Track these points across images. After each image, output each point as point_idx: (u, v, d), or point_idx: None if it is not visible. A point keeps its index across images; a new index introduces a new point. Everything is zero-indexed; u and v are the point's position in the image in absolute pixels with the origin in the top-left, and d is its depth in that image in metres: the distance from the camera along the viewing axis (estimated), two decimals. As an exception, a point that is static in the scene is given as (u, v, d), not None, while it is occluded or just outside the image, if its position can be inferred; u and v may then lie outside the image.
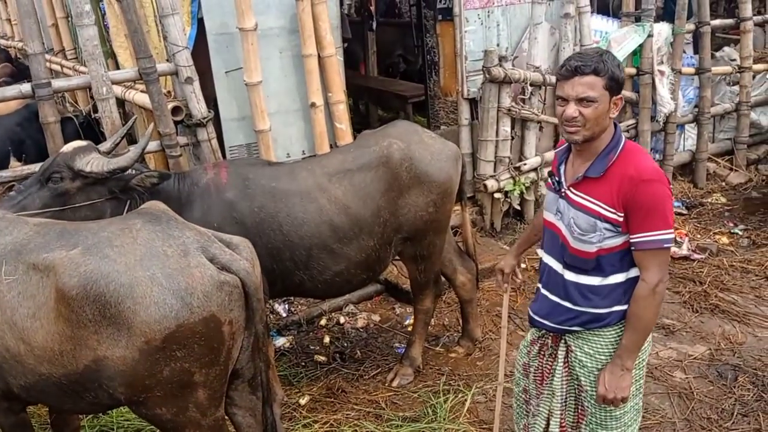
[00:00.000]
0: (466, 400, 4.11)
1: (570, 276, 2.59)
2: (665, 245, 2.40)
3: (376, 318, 5.22)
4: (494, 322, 5.02)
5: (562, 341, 2.72)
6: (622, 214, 2.41)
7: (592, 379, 2.65)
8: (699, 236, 6.13)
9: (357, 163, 3.79)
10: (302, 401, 4.22)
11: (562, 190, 2.58)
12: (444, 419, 3.97)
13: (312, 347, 4.87)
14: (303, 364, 4.66)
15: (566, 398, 2.76)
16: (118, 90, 5.38)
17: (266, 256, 3.70)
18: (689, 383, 4.13)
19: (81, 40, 4.12)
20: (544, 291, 2.73)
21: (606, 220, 2.44)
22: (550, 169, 2.71)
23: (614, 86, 2.38)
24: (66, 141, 4.18)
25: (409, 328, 4.82)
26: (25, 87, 4.07)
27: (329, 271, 3.78)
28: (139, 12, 5.10)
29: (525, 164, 6.07)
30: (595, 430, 2.73)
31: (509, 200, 6.13)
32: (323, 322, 5.16)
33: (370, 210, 3.75)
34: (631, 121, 6.76)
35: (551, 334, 2.75)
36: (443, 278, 4.51)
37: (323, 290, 3.92)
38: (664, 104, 6.68)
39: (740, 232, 6.14)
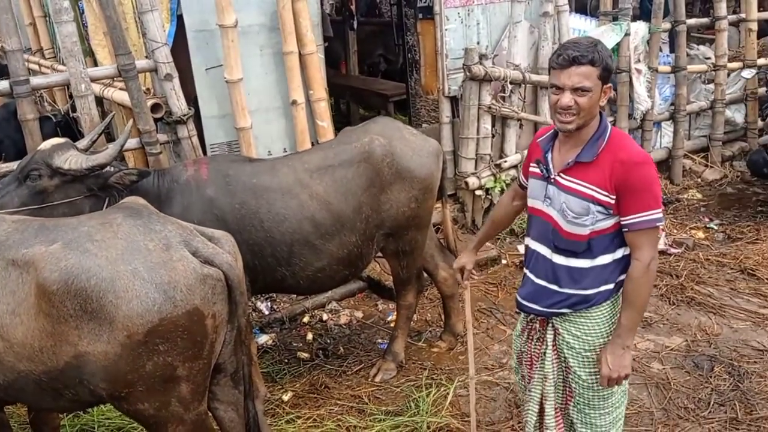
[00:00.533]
0: (448, 393, 4.14)
1: (560, 260, 2.64)
2: (657, 224, 2.47)
3: (359, 314, 5.24)
4: (476, 317, 5.05)
5: (550, 325, 2.76)
6: (614, 197, 2.47)
7: (580, 360, 2.70)
8: (675, 231, 6.23)
9: (338, 159, 3.81)
10: (285, 397, 4.22)
11: (552, 176, 2.61)
12: (426, 413, 3.99)
13: (295, 344, 4.88)
14: (286, 360, 4.67)
15: (555, 380, 2.81)
16: (96, 88, 5.34)
17: (247, 253, 3.69)
18: (666, 374, 4.20)
19: (60, 36, 4.09)
20: (531, 276, 2.77)
21: (598, 203, 2.49)
22: (536, 158, 2.73)
23: (606, 76, 2.45)
24: (44, 140, 4.14)
25: (392, 324, 4.84)
26: (3, 84, 4.03)
27: (311, 267, 3.79)
28: (117, 9, 5.09)
29: (505, 161, 6.13)
30: (582, 410, 2.77)
31: (490, 197, 6.17)
32: (306, 319, 5.16)
33: (351, 206, 3.77)
34: (609, 119, 6.83)
35: (539, 318, 2.80)
36: (425, 274, 4.54)
37: (305, 286, 3.92)
38: (641, 102, 6.78)
39: (715, 227, 6.25)
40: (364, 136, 3.87)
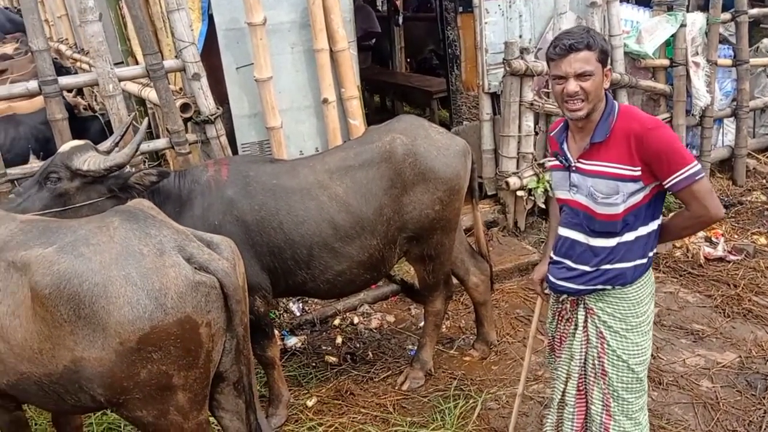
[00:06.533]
0: (476, 405, 3.95)
1: (597, 242, 2.65)
2: (697, 177, 2.47)
3: (391, 319, 5.08)
4: (512, 326, 4.83)
5: (581, 305, 2.79)
6: (639, 169, 2.50)
7: (618, 340, 2.72)
8: (736, 236, 5.81)
9: (359, 159, 3.66)
10: (309, 403, 4.12)
11: (572, 165, 2.65)
12: (452, 426, 3.82)
13: (324, 347, 4.77)
14: (314, 364, 4.57)
15: (582, 361, 2.83)
16: (135, 88, 5.39)
17: (268, 255, 3.61)
18: (716, 393, 3.87)
19: (86, 36, 4.10)
20: (565, 261, 2.76)
21: (625, 179, 2.52)
22: (554, 151, 2.81)
23: (604, 58, 2.52)
24: (94, 139, 4.13)
25: (424, 331, 4.67)
26: (32, 84, 4.06)
27: (331, 270, 3.67)
28: (152, 8, 5.10)
29: (550, 160, 5.83)
30: (620, 394, 2.75)
31: (533, 198, 5.91)
32: (337, 321, 5.05)
33: (372, 208, 3.62)
34: (666, 115, 6.44)
35: (570, 298, 2.82)
36: (456, 279, 4.35)
37: (326, 290, 3.80)
38: (700, 97, 6.35)
39: (780, 232, 5.79)
40: (385, 135, 3.71)
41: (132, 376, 2.41)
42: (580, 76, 2.47)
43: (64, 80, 4.20)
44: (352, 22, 5.12)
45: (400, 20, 9.22)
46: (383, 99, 9.81)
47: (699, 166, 2.49)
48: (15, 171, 4.13)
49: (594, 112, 2.56)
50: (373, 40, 9.60)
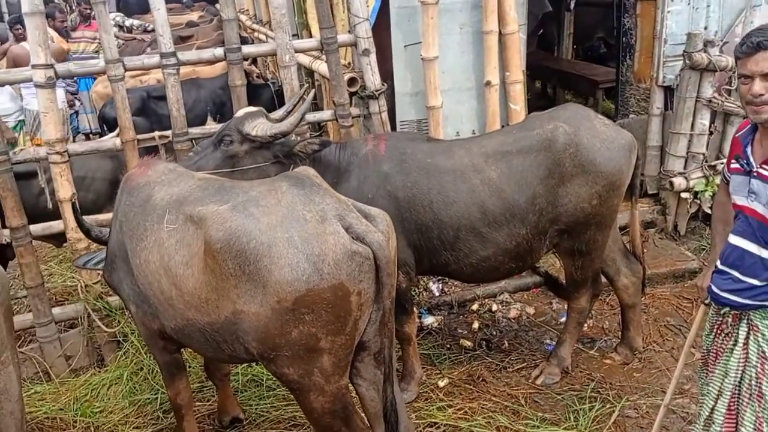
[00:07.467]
0: (613, 411, 3.80)
1: None
2: None
3: (531, 310, 5.00)
4: (660, 333, 4.57)
5: (744, 321, 2.66)
6: None
7: None
8: None
9: (517, 145, 3.61)
10: (441, 383, 4.17)
11: (754, 170, 2.53)
12: (586, 428, 3.71)
13: (459, 330, 4.80)
14: (448, 346, 4.61)
15: (737, 380, 2.70)
16: (306, 60, 5.65)
17: (414, 232, 3.68)
18: None
19: (270, 8, 4.33)
20: (730, 270, 2.63)
21: None
22: (736, 154, 2.65)
23: None
24: (263, 106, 4.41)
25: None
26: (218, 51, 4.37)
27: (476, 255, 3.66)
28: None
29: (722, 163, 5.39)
30: None
31: (698, 202, 5.51)
32: (475, 306, 5.04)
33: (525, 196, 3.56)
34: None
35: (732, 312, 2.69)
36: (605, 278, 4.18)
37: (469, 274, 3.81)
38: None
39: None
40: (548, 123, 3.61)
41: (284, 334, 2.57)
42: (767, 76, 2.33)
43: (247, 49, 4.49)
44: (525, 5, 5.01)
45: (572, 5, 8.85)
46: (544, 85, 9.53)
47: None
48: (195, 131, 4.48)
49: None
50: (541, 31, 9.33)
